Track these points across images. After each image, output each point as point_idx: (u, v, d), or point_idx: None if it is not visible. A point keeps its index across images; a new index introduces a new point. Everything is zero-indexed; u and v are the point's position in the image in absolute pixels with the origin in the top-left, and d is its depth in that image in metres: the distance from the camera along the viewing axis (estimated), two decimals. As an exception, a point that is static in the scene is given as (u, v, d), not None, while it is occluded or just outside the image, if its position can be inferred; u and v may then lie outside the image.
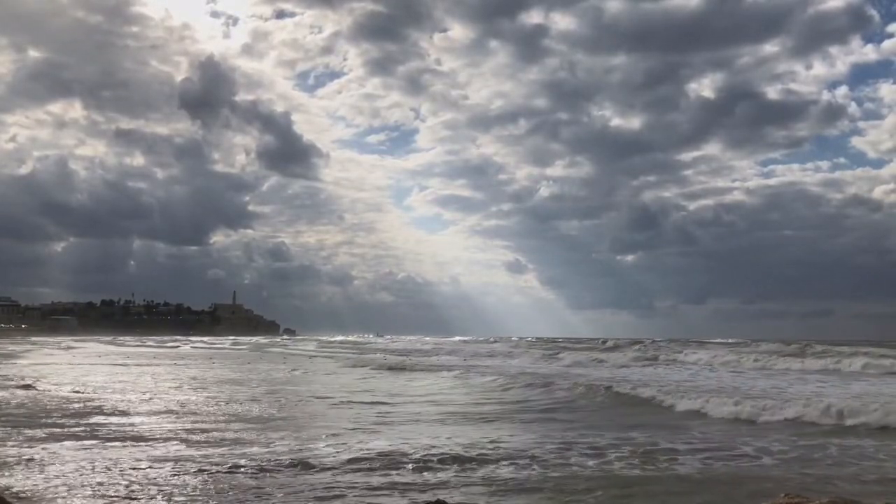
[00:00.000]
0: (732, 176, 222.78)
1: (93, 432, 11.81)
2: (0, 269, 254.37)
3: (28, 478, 8.32)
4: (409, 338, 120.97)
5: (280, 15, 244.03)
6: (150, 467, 8.98)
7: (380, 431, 12.47)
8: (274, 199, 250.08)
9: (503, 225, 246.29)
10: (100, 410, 14.81)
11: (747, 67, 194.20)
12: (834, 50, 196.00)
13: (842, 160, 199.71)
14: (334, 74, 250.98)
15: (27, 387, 20.05)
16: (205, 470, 8.85)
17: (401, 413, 15.41)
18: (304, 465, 9.17)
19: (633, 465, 9.58)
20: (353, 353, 53.24)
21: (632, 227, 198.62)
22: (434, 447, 10.49)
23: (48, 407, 15.27)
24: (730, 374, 26.40)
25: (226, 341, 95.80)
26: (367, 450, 10.23)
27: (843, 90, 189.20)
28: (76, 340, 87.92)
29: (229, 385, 22.41)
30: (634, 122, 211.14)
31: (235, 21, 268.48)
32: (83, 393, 18.59)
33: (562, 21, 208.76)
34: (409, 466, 9.24)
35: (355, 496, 7.81)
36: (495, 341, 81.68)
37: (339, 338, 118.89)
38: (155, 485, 8.10)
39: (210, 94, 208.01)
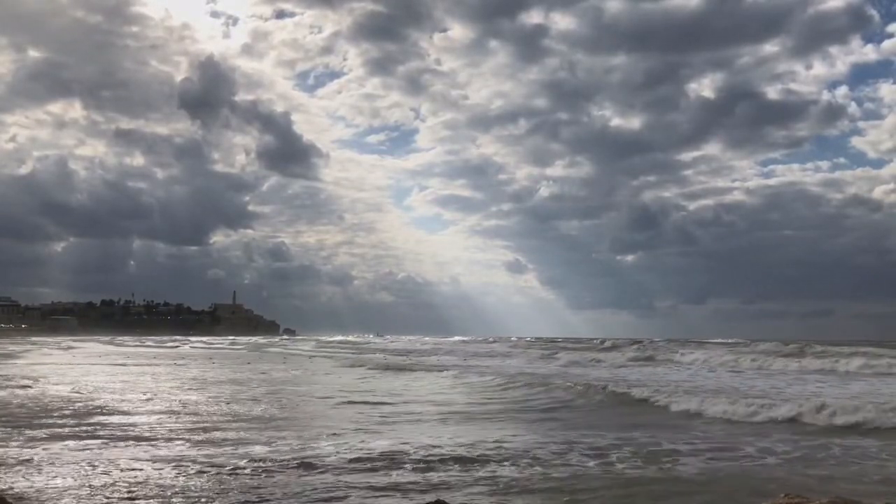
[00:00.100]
0: (732, 176, 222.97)
1: (93, 432, 11.81)
2: (0, 269, 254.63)
3: (29, 478, 8.32)
4: (409, 338, 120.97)
5: (280, 15, 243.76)
6: (151, 467, 8.98)
7: (381, 431, 12.49)
8: (274, 199, 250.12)
9: (503, 225, 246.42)
10: (100, 410, 14.82)
11: (747, 67, 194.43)
12: (834, 50, 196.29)
13: (842, 160, 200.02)
14: (334, 74, 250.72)
15: (28, 387, 20.09)
16: (206, 471, 8.85)
17: (401, 413, 15.44)
18: (307, 466, 9.18)
19: (635, 466, 9.58)
20: (353, 354, 53.27)
21: (632, 227, 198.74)
22: (435, 447, 10.50)
23: (49, 407, 15.28)
24: (728, 375, 26.47)
25: (225, 341, 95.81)
26: (369, 450, 10.24)
27: (843, 90, 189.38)
28: (75, 340, 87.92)
29: (230, 385, 22.44)
30: (634, 122, 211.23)
31: (235, 21, 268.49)
32: (84, 393, 18.60)
33: (562, 21, 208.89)
34: (411, 467, 9.25)
35: (357, 497, 7.82)
36: (494, 341, 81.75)
37: (339, 338, 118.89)
38: (156, 485, 8.09)
39: (210, 94, 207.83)
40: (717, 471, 9.33)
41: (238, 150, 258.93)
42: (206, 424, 13.07)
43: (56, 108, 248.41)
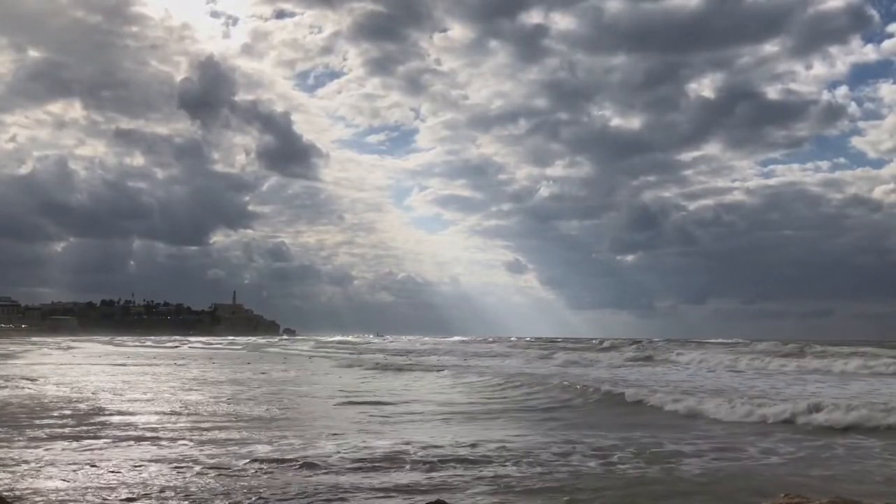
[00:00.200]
0: (732, 176, 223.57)
1: (94, 433, 11.82)
2: (0, 269, 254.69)
3: (29, 478, 8.32)
4: (408, 338, 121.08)
5: (280, 15, 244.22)
6: (153, 468, 8.99)
7: (382, 431, 12.51)
8: (274, 199, 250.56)
9: (503, 225, 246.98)
10: (101, 411, 14.83)
11: (747, 67, 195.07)
12: (834, 50, 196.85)
13: (842, 160, 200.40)
14: (334, 74, 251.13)
15: (28, 387, 20.12)
16: (209, 471, 8.86)
17: (402, 413, 15.46)
18: (309, 466, 9.19)
19: (637, 466, 9.58)
20: (353, 354, 53.29)
21: (632, 227, 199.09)
22: (437, 447, 10.53)
23: (49, 407, 15.30)
24: (728, 375, 26.48)
25: (224, 342, 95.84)
26: (370, 450, 10.26)
27: (843, 90, 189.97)
28: (75, 340, 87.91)
29: (231, 385, 22.46)
30: (634, 122, 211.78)
31: (235, 21, 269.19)
32: (84, 393, 18.62)
33: (562, 21, 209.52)
34: (413, 467, 9.26)
35: (360, 497, 7.83)
36: (494, 341, 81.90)
37: (338, 338, 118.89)
38: (158, 485, 8.09)
39: (210, 94, 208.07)
40: (719, 471, 9.33)
41: (238, 150, 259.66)
42: (207, 424, 13.09)
43: (56, 108, 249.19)
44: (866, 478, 8.98)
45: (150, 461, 9.41)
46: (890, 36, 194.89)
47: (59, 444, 10.58)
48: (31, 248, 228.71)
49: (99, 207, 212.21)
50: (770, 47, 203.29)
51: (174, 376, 26.37)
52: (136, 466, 9.06)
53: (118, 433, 11.84)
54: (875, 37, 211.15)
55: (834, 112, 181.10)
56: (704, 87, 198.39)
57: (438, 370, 29.95)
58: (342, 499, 7.75)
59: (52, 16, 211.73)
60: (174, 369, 31.17)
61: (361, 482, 8.43)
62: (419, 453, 10.08)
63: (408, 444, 10.83)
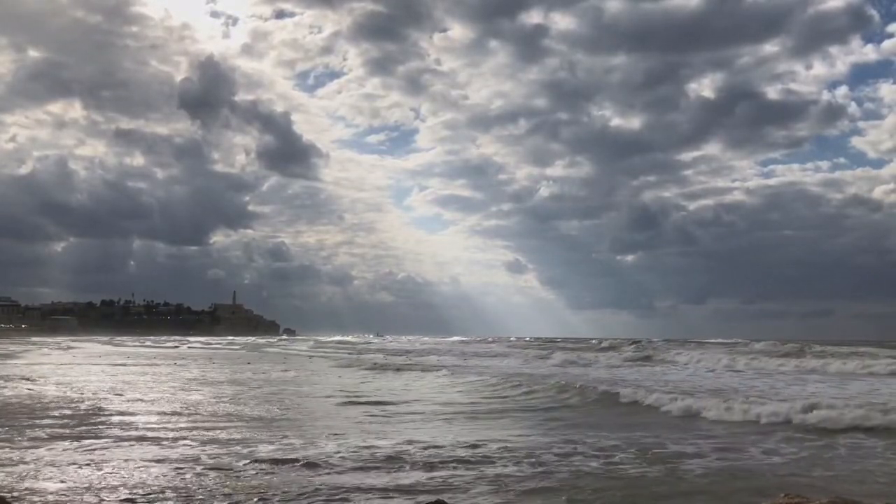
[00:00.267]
0: (732, 176, 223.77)
1: (95, 433, 11.82)
2: (0, 269, 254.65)
3: (30, 478, 8.32)
4: (408, 338, 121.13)
5: (280, 15, 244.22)
6: (154, 468, 8.99)
7: (383, 431, 12.52)
8: (274, 199, 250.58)
9: (503, 225, 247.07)
10: (101, 411, 14.83)
11: (747, 67, 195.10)
12: (834, 50, 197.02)
13: (842, 160, 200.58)
14: (334, 74, 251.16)
15: (28, 387, 20.13)
16: (210, 471, 8.86)
17: (403, 413, 15.48)
18: (310, 466, 9.19)
19: (638, 466, 9.58)
20: (352, 354, 53.32)
21: (632, 227, 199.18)
22: (438, 447, 10.53)
23: (49, 407, 15.30)
24: (727, 375, 26.48)
25: (223, 342, 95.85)
26: (372, 450, 10.26)
27: (843, 90, 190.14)
28: (75, 340, 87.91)
29: (231, 385, 22.47)
30: (634, 122, 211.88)
31: (235, 21, 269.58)
32: (84, 393, 18.61)
33: (562, 21, 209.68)
34: (414, 467, 9.26)
35: (361, 497, 7.83)
36: (493, 341, 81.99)
37: (337, 338, 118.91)
38: (158, 485, 8.10)
39: (210, 94, 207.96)
40: (721, 471, 9.32)
41: (238, 150, 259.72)
42: (208, 425, 13.09)
43: (56, 108, 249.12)
44: (868, 478, 8.98)
45: (150, 461, 9.40)
46: (890, 36, 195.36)
47: (60, 445, 10.58)
48: (31, 248, 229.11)
49: (99, 207, 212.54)
50: (770, 47, 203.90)
51: (174, 376, 26.38)
52: (136, 467, 9.06)
53: (119, 433, 11.84)
54: (875, 37, 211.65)
55: (834, 112, 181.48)
56: (704, 87, 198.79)
57: (438, 370, 29.96)
58: (344, 499, 7.74)
59: (52, 16, 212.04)
60: (174, 369, 31.18)
61: (363, 482, 8.43)
62: (421, 453, 10.09)
63: (409, 444, 10.84)
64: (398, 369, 31.78)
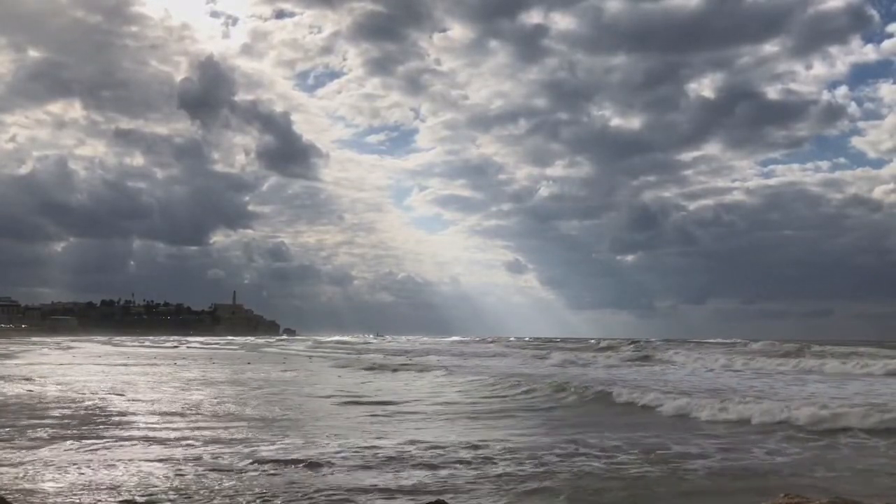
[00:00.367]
0: (732, 176, 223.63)
1: (96, 433, 11.80)
2: (0, 269, 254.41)
3: (30, 478, 8.31)
4: (407, 338, 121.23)
5: (280, 15, 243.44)
6: (154, 468, 8.98)
7: (384, 431, 12.51)
8: (274, 199, 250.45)
9: (503, 225, 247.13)
10: (102, 411, 14.82)
11: (747, 67, 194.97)
12: (834, 50, 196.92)
13: (842, 160, 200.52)
14: (334, 74, 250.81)
15: (29, 387, 20.12)
16: (212, 471, 8.85)
17: (404, 412, 15.47)
18: (313, 466, 9.19)
19: (640, 466, 9.56)
20: (351, 354, 53.32)
21: (632, 227, 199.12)
22: (438, 447, 10.52)
23: (50, 407, 15.28)
24: (727, 375, 26.47)
25: (222, 341, 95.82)
26: (374, 450, 10.25)
27: (843, 90, 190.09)
28: (75, 340, 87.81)
29: (232, 385, 22.46)
30: (634, 122, 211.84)
31: (235, 21, 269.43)
32: (84, 393, 18.60)
33: (562, 21, 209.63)
34: (416, 467, 9.26)
35: (363, 497, 7.82)
36: (492, 341, 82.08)
37: (336, 338, 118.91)
38: (159, 486, 8.09)
39: (210, 94, 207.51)
40: (723, 471, 9.31)
41: (238, 150, 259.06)
42: (209, 425, 13.08)
43: (56, 108, 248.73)
44: (870, 478, 8.97)
45: (151, 461, 9.39)
46: (890, 36, 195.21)
47: (60, 445, 10.57)
48: (31, 248, 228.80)
49: (99, 207, 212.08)
50: (770, 47, 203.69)
51: (174, 376, 26.37)
52: (137, 467, 9.04)
53: (119, 433, 11.84)
54: (875, 37, 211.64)
55: (834, 112, 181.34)
56: (704, 87, 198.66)
57: (437, 370, 29.97)
58: (346, 499, 7.73)
59: (52, 16, 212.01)
60: (174, 369, 31.17)
61: (365, 482, 8.43)
62: (422, 453, 10.08)
63: (411, 444, 10.83)
64: (397, 369, 31.79)
